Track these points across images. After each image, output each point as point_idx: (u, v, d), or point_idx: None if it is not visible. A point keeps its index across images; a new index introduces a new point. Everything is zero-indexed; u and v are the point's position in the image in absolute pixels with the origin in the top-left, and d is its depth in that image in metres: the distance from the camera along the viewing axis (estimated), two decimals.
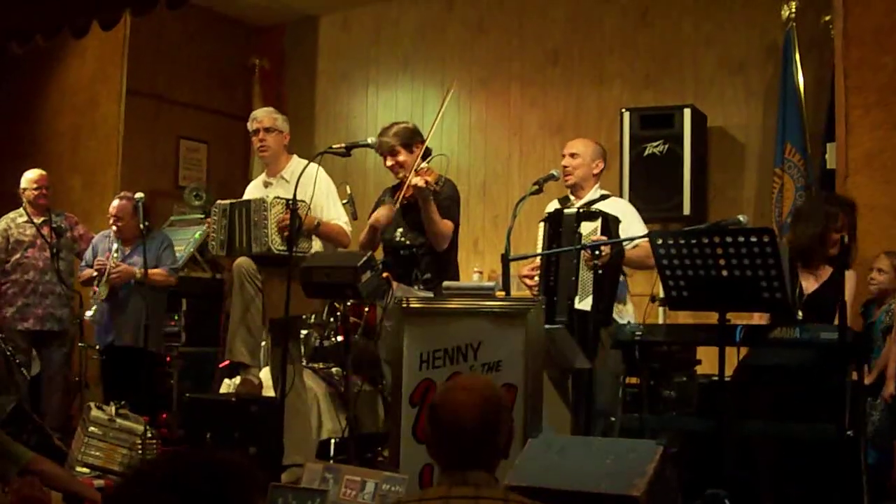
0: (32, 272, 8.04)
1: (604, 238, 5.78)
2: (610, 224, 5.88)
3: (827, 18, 7.27)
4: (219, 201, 6.50)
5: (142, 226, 7.41)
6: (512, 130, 9.37)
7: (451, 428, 2.99)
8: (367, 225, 6.45)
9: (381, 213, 6.31)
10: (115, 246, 7.70)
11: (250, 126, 6.63)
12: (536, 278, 6.01)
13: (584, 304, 5.76)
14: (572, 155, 6.36)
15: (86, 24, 6.05)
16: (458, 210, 6.39)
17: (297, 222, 5.91)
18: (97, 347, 7.98)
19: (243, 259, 6.17)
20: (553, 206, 6.41)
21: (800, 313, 5.43)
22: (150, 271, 7.48)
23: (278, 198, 6.12)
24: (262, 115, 6.63)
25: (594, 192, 6.39)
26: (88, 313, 7.65)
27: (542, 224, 6.18)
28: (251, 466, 2.27)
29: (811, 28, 7.62)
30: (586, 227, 5.84)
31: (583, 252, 5.75)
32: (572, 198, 6.40)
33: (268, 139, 6.56)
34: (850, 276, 5.47)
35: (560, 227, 5.91)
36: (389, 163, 6.39)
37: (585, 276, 5.78)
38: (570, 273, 5.78)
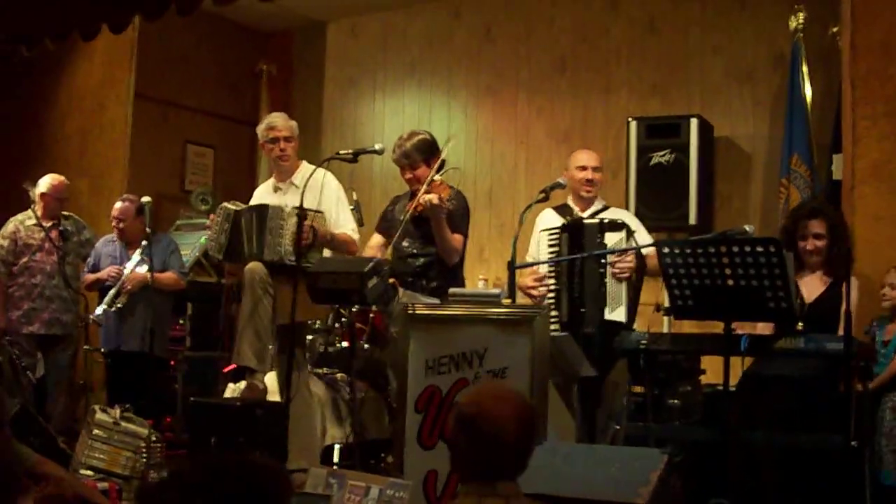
0: (40, 276, 8.02)
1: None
2: (631, 234, 5.89)
3: (835, 30, 7.28)
4: (225, 204, 6.49)
5: (147, 229, 7.41)
6: (518, 139, 9.38)
7: (493, 439, 2.96)
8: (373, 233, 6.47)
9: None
10: (136, 259, 7.68)
11: (267, 134, 6.61)
12: (542, 289, 6.01)
13: (615, 314, 5.77)
14: (596, 169, 6.39)
15: (95, 27, 6.07)
16: (467, 223, 6.39)
17: (310, 235, 5.94)
18: (102, 351, 7.99)
19: (255, 264, 6.17)
20: (550, 216, 6.41)
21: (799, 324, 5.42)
22: (159, 275, 7.49)
23: (296, 208, 6.09)
24: (282, 125, 6.62)
25: (598, 203, 6.42)
26: (98, 311, 7.64)
27: (544, 234, 6.18)
28: (283, 470, 2.28)
29: (819, 39, 7.62)
30: (611, 238, 5.85)
31: (609, 262, 5.76)
32: (575, 208, 6.40)
33: (288, 148, 6.58)
34: (853, 284, 5.48)
35: (582, 238, 5.91)
36: (407, 176, 6.37)
37: (613, 287, 5.79)
38: (598, 283, 5.78)
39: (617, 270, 5.80)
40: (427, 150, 6.33)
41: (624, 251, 5.82)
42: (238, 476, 2.19)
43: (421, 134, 6.43)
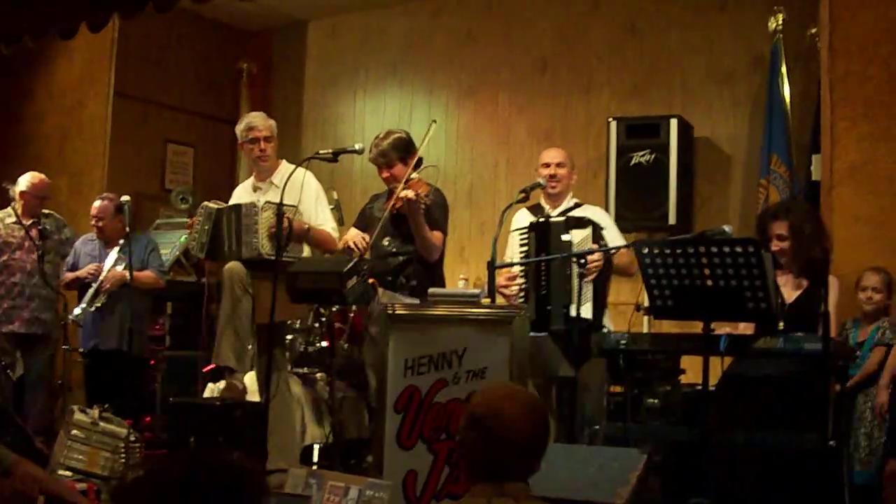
0: (19, 274, 7.98)
1: (595, 246, 5.81)
2: (598, 232, 5.91)
3: (813, 31, 7.31)
4: (206, 203, 6.49)
5: (127, 229, 7.38)
6: (499, 138, 9.38)
7: (503, 440, 2.95)
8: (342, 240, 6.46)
9: (355, 238, 6.27)
10: (114, 258, 7.64)
11: (247, 134, 6.60)
12: (514, 288, 6.02)
13: (581, 311, 5.78)
14: (559, 164, 6.40)
15: (74, 25, 6.04)
16: (446, 220, 6.40)
17: (287, 228, 5.92)
18: (81, 350, 7.95)
19: (234, 263, 6.17)
20: (524, 215, 6.42)
21: (780, 323, 5.43)
22: (138, 274, 7.46)
23: (269, 203, 6.12)
24: (262, 125, 6.61)
25: (569, 201, 6.43)
26: (76, 311, 7.60)
27: (517, 233, 6.20)
28: (258, 469, 2.29)
29: (798, 40, 7.66)
30: (577, 235, 5.85)
31: (577, 261, 5.77)
32: (546, 207, 6.41)
33: (268, 148, 6.59)
34: (833, 284, 5.50)
35: (548, 236, 5.92)
36: (384, 175, 6.37)
37: (579, 284, 5.79)
38: (563, 281, 5.79)
39: (582, 270, 5.81)
40: (403, 149, 6.34)
41: (600, 251, 5.82)
42: (210, 475, 2.18)
43: (397, 133, 6.45)
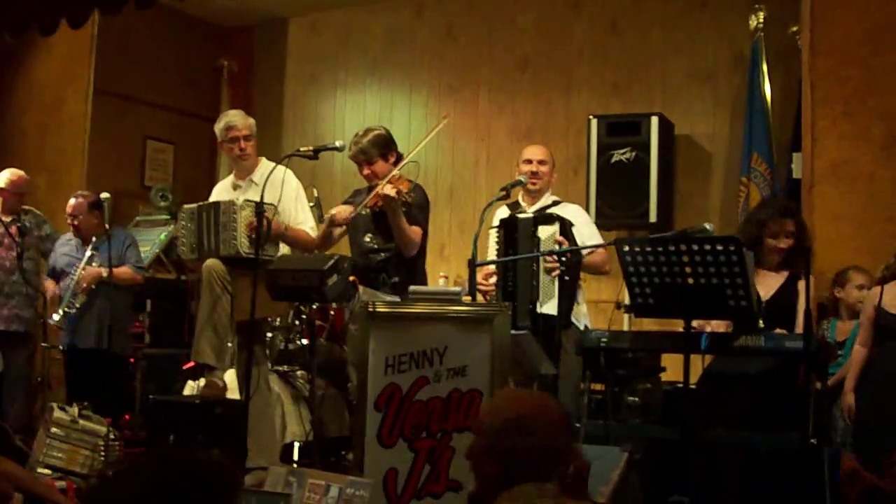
0: None
1: (563, 240, 5.82)
2: (567, 228, 5.91)
3: (794, 30, 7.33)
4: (185, 205, 6.46)
5: (106, 225, 7.34)
6: (480, 136, 9.37)
7: (550, 441, 2.97)
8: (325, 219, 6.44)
9: (342, 209, 6.28)
10: (87, 255, 7.59)
11: (227, 134, 6.55)
12: (491, 283, 6.03)
13: (546, 307, 5.78)
14: (541, 162, 6.42)
15: (54, 22, 6.00)
16: (427, 216, 6.39)
17: (265, 226, 5.90)
18: (61, 348, 7.90)
19: (213, 260, 6.14)
20: (503, 212, 6.43)
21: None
22: (115, 270, 7.41)
23: (248, 201, 6.09)
24: (242, 124, 6.56)
25: (547, 198, 6.45)
26: (55, 316, 7.55)
27: (493, 230, 6.21)
28: (233, 466, 2.27)
29: (779, 39, 7.67)
30: (544, 232, 5.88)
31: (543, 257, 5.78)
32: (524, 203, 6.43)
33: (248, 147, 6.55)
34: (811, 281, 5.52)
35: (516, 233, 5.93)
36: (365, 172, 6.36)
37: (545, 281, 5.81)
38: (529, 278, 5.80)
39: (548, 266, 5.83)
40: (383, 146, 6.34)
41: (573, 250, 5.83)
42: (184, 472, 2.17)
43: (377, 129, 6.45)
